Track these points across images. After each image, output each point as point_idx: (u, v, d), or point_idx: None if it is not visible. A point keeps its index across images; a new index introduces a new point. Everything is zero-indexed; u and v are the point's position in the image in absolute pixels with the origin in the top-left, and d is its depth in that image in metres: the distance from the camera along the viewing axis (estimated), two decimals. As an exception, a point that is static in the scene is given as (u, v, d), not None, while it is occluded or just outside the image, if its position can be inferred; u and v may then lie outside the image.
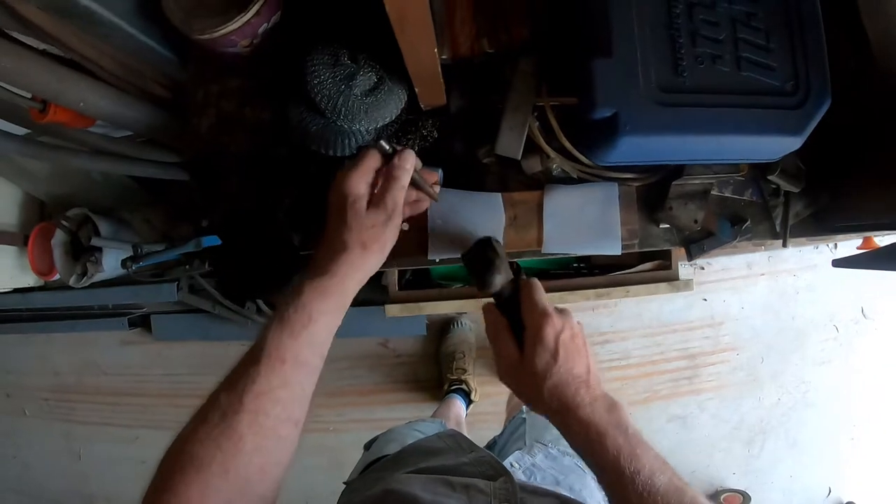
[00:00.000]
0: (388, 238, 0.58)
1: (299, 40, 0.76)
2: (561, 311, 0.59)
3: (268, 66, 0.81)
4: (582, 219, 0.77)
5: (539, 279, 0.59)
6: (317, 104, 0.71)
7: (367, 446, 0.95)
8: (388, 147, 0.59)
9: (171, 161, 1.22)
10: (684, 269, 1.88)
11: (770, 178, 0.81)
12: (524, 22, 0.72)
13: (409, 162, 0.59)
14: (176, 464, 0.46)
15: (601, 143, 0.66)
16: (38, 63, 0.82)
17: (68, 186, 1.73)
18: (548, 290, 1.24)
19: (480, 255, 0.60)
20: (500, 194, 0.78)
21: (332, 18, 0.74)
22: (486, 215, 0.78)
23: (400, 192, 0.59)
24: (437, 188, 0.70)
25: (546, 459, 0.84)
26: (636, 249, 0.82)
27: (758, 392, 1.99)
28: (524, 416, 1.02)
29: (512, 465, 0.81)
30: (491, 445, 1.03)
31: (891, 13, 0.75)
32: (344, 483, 0.77)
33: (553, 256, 0.81)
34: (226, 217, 0.81)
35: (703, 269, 1.95)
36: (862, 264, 0.88)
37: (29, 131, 1.10)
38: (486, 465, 0.67)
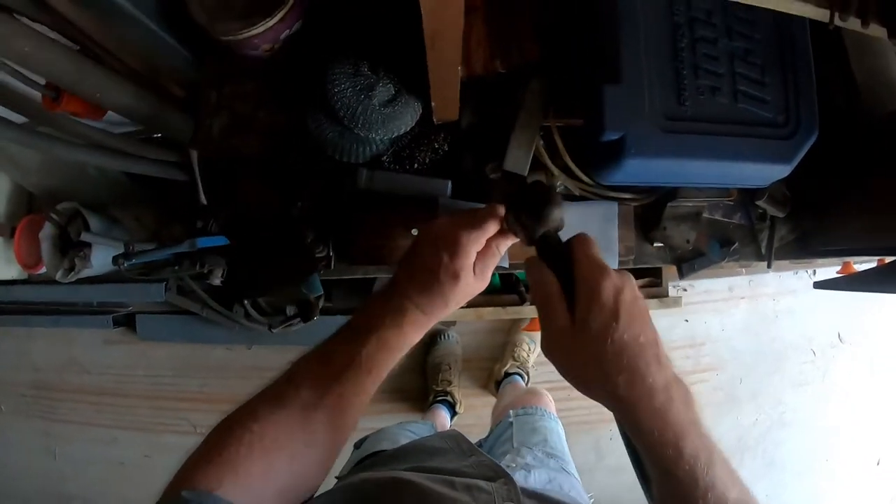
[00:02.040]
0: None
1: (319, 49, 0.78)
2: (620, 272, 0.50)
3: (284, 71, 0.83)
4: (582, 234, 0.80)
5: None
6: (336, 112, 0.73)
7: (358, 445, 0.96)
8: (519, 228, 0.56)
9: (170, 160, 1.22)
10: (671, 289, 1.92)
11: (758, 203, 0.86)
12: (535, 45, 0.75)
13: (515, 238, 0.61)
14: (240, 440, 0.45)
15: (607, 164, 0.69)
16: (58, 50, 0.81)
17: (60, 179, 1.70)
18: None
19: (532, 191, 0.54)
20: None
21: (354, 30, 0.76)
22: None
23: (496, 261, 0.61)
24: None
25: (534, 461, 0.87)
26: (631, 266, 0.86)
27: (736, 412, 2.03)
28: (511, 420, 1.04)
29: (508, 465, 0.82)
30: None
31: (876, 55, 0.80)
32: (336, 477, 0.77)
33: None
34: (234, 217, 0.82)
35: (685, 290, 2.00)
36: (843, 286, 0.93)
37: (27, 120, 1.09)
38: (486, 467, 0.68)
